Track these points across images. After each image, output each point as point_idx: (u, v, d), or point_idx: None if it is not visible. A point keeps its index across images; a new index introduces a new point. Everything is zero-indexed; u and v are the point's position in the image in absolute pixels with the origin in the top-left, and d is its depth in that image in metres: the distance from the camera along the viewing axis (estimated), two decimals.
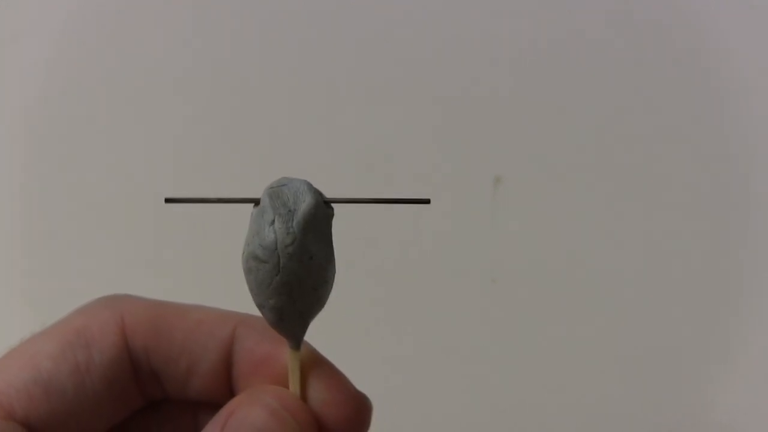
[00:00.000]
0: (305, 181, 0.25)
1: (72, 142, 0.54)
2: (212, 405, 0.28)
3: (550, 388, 0.52)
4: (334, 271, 0.25)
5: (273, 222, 0.24)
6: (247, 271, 0.25)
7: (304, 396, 0.26)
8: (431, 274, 0.53)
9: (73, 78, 0.54)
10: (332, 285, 0.25)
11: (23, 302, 0.52)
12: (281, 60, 0.54)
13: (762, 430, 0.51)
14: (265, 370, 0.27)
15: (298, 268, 0.24)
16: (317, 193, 0.25)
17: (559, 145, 0.53)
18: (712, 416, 0.51)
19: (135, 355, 0.27)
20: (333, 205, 0.25)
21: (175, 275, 0.52)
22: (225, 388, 0.28)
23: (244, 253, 0.25)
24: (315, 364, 0.27)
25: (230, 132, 0.54)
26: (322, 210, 0.25)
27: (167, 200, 0.25)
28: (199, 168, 0.54)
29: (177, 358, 0.28)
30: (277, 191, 0.24)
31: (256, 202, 0.25)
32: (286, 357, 0.26)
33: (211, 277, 0.52)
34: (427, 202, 0.25)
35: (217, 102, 0.54)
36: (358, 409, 0.27)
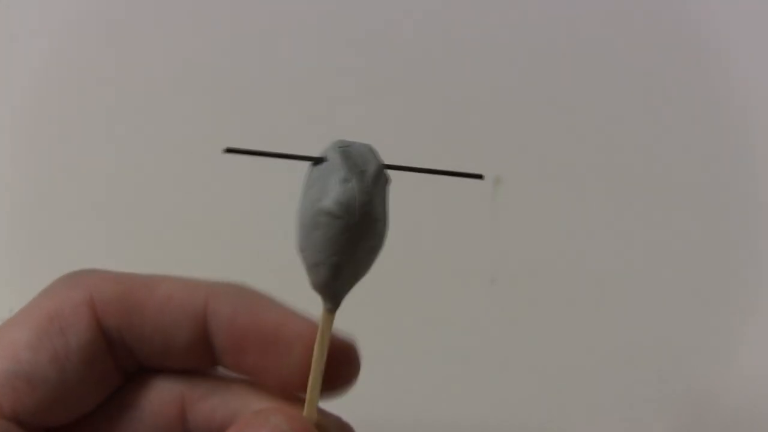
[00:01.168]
0: (368, 145, 0.25)
1: (72, 141, 0.54)
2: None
3: (549, 388, 0.52)
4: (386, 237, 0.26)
5: (349, 180, 0.24)
6: (314, 227, 0.24)
7: (327, 358, 0.26)
8: (430, 274, 0.53)
9: (73, 77, 0.54)
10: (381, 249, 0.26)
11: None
12: (277, 58, 0.54)
13: (762, 430, 0.51)
14: (249, 344, 0.27)
15: (368, 228, 0.24)
16: (380, 158, 0.25)
17: (560, 144, 0.53)
18: (713, 416, 0.51)
19: (109, 335, 0.27)
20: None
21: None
22: (206, 359, 0.28)
23: (308, 209, 0.24)
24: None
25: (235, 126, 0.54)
26: (384, 175, 0.25)
27: (227, 150, 0.24)
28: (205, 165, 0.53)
29: (151, 336, 0.27)
30: (347, 151, 0.25)
31: (315, 160, 0.25)
32: (320, 319, 0.26)
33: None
34: (480, 177, 0.26)
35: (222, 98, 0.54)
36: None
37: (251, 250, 0.51)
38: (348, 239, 0.24)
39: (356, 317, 0.52)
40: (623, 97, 0.53)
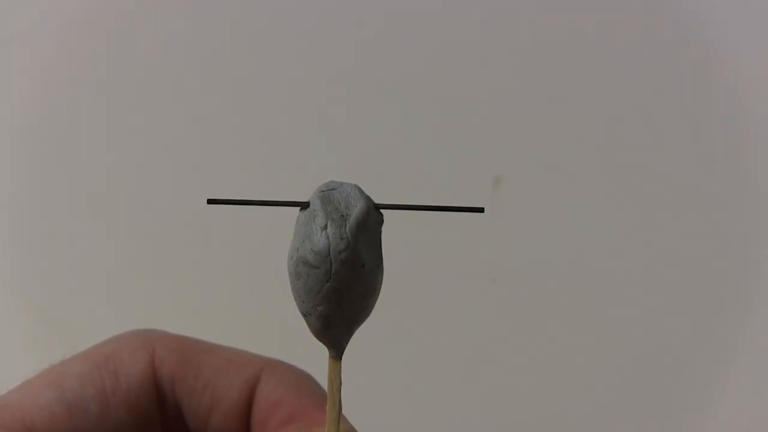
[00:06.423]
0: (356, 185, 0.24)
1: (80, 143, 0.54)
2: None
3: (549, 389, 0.52)
4: (382, 279, 0.25)
5: (325, 227, 0.23)
6: (296, 277, 0.24)
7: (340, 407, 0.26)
8: (430, 275, 0.53)
9: (79, 79, 0.54)
10: (379, 294, 0.25)
11: (25, 306, 0.52)
12: (277, 60, 0.54)
13: (762, 430, 0.51)
14: (276, 415, 0.28)
15: (349, 275, 0.23)
16: (368, 199, 0.24)
17: (559, 144, 0.53)
18: (712, 417, 0.51)
19: (161, 384, 0.28)
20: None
21: (182, 276, 0.52)
22: (242, 427, 0.28)
23: (292, 258, 0.24)
24: None
25: (246, 136, 0.54)
26: (373, 215, 0.24)
27: (210, 201, 0.24)
28: (216, 173, 0.53)
29: (201, 392, 0.28)
30: (328, 195, 0.24)
31: (302, 205, 0.24)
32: (327, 366, 0.26)
33: (215, 283, 0.52)
34: (481, 210, 0.25)
35: (232, 105, 0.54)
36: None
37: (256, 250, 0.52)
38: (331, 289, 0.23)
39: None
40: (623, 97, 0.53)
